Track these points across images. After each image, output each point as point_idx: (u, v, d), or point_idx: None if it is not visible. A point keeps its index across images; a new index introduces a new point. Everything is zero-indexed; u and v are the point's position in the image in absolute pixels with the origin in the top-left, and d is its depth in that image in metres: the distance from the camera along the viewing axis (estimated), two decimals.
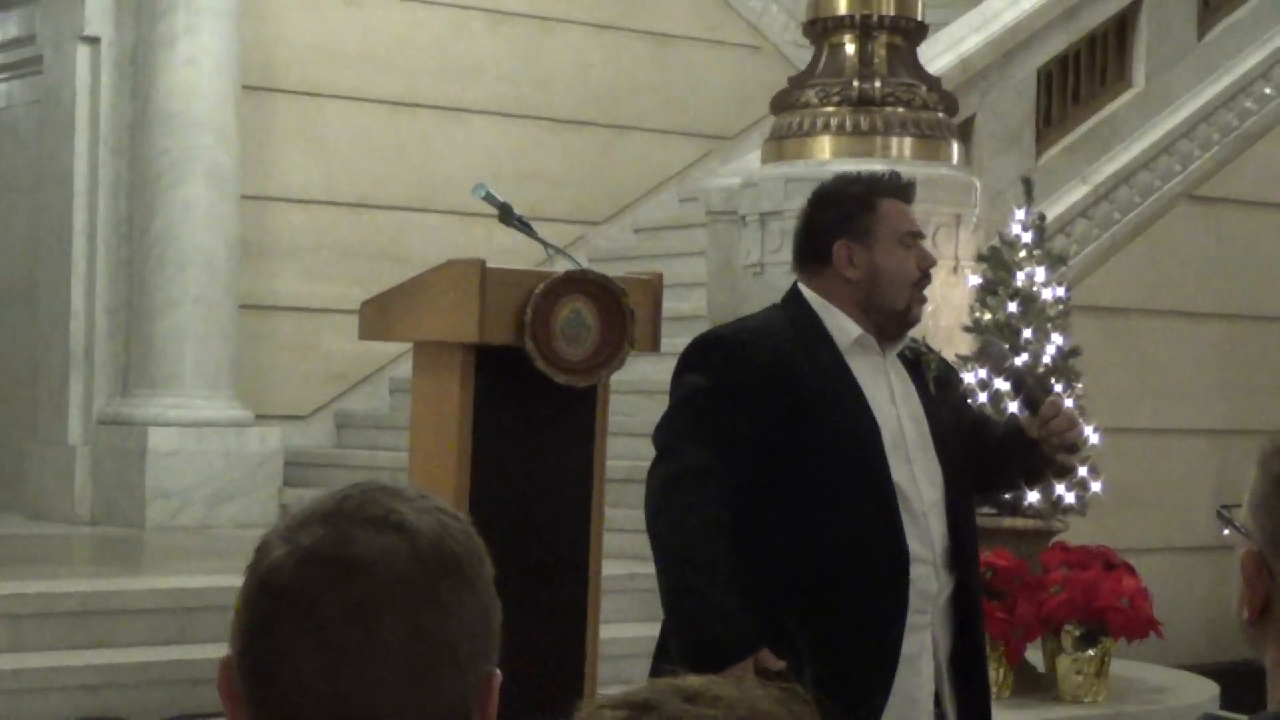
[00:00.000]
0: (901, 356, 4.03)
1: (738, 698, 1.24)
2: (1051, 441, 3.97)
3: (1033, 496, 7.45)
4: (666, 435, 3.88)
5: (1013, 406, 6.96)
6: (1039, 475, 4.26)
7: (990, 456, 4.11)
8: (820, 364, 3.89)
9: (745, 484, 3.79)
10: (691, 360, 3.95)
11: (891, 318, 3.96)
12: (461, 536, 1.64)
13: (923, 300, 4.00)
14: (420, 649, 1.58)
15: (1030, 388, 4.18)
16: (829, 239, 3.96)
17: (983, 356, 7.30)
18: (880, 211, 3.97)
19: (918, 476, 3.89)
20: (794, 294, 4.03)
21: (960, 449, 4.01)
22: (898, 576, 3.82)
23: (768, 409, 3.82)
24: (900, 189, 4.04)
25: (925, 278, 3.98)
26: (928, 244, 4.10)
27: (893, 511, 3.83)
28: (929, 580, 3.86)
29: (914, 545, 3.84)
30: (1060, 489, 7.48)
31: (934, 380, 4.04)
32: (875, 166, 4.75)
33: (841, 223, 3.97)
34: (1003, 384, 7.31)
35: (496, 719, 1.65)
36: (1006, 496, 7.35)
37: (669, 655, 3.77)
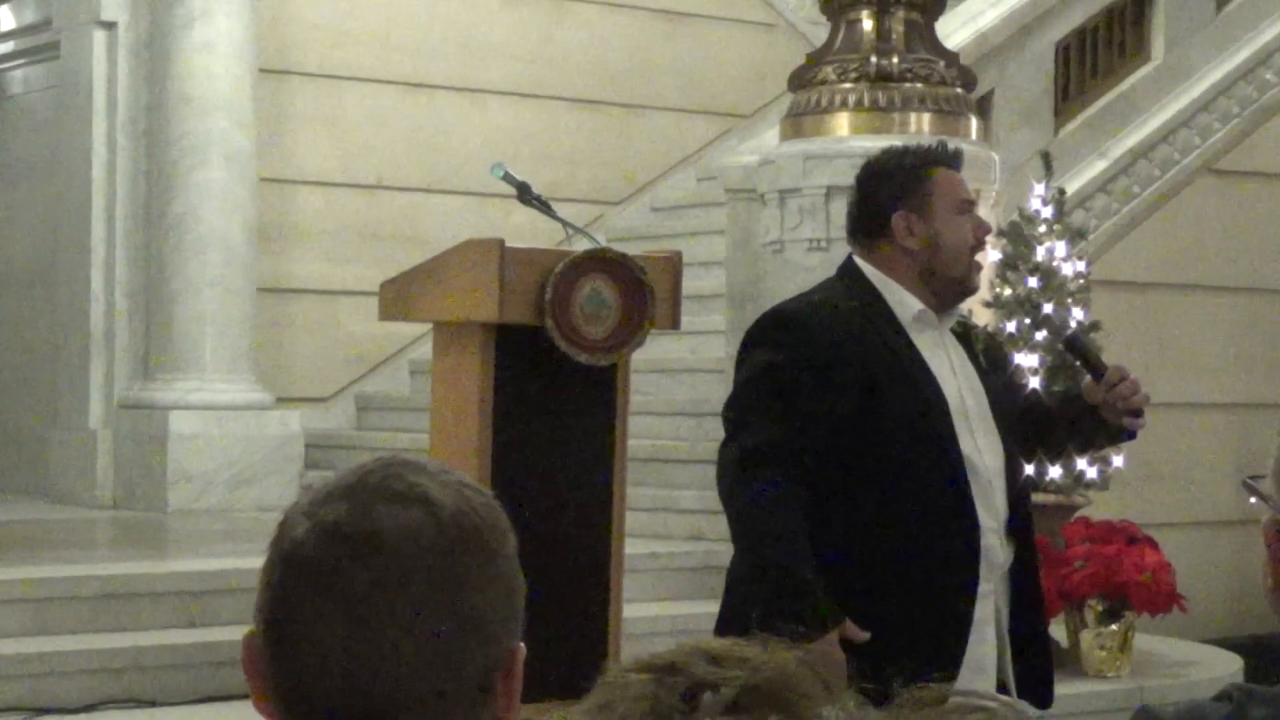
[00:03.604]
0: (951, 330, 4.05)
1: (764, 659, 1.23)
2: (1117, 406, 4.00)
3: (1055, 472, 7.45)
4: (739, 411, 3.88)
5: (1034, 381, 6.95)
6: (1102, 440, 4.30)
7: (1049, 425, 4.17)
8: (886, 338, 3.91)
9: (817, 458, 3.80)
10: (760, 336, 3.96)
11: (952, 286, 3.98)
12: (484, 510, 1.63)
13: (979, 268, 4.03)
14: (443, 623, 1.58)
15: (1093, 354, 4.19)
16: (887, 211, 3.97)
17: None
18: (936, 180, 3.99)
19: (981, 447, 3.92)
20: (851, 268, 4.03)
21: (1014, 420, 4.04)
22: (970, 546, 3.85)
23: (839, 383, 3.82)
24: (951, 157, 4.06)
25: (980, 245, 4.01)
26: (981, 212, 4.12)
27: (963, 482, 3.86)
28: (996, 550, 3.90)
29: (982, 516, 3.87)
30: (1082, 463, 7.48)
31: (982, 353, 4.06)
32: (894, 142, 4.71)
33: (899, 194, 3.98)
34: (1026, 358, 7.32)
35: (520, 694, 1.65)
36: (1030, 471, 7.35)
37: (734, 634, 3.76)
